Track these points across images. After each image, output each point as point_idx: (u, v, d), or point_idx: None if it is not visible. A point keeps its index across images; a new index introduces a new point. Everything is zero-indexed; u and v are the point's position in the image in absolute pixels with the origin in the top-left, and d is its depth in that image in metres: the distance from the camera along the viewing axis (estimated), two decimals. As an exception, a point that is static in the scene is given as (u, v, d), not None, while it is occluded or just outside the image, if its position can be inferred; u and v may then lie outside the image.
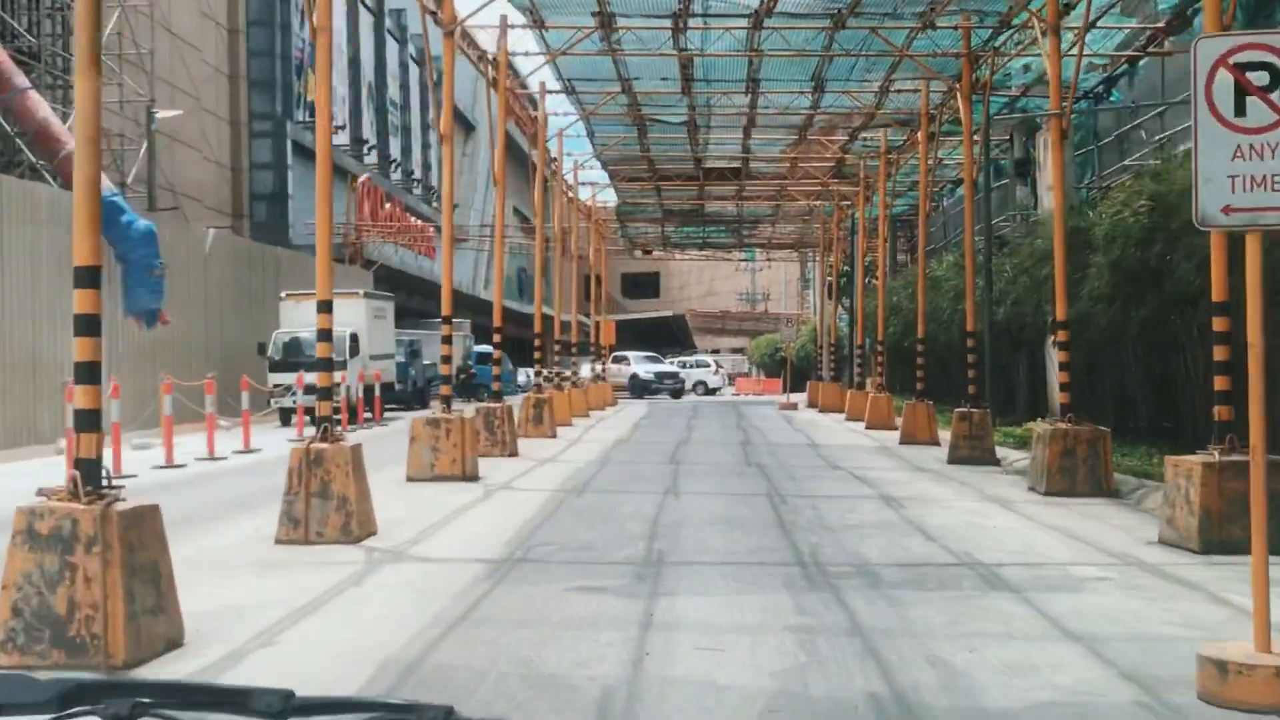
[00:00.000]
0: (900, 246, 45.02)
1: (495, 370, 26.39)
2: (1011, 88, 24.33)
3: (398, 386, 38.45)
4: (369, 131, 59.88)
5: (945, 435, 24.07)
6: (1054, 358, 23.66)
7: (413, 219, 59.98)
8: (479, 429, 19.87)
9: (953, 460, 19.68)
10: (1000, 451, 20.03)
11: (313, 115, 54.11)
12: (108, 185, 22.64)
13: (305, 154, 50.79)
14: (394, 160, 62.50)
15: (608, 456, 20.29)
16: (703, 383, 59.52)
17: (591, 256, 40.37)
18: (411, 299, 64.10)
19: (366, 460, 11.73)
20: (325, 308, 12.40)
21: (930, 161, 25.87)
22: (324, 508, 10.74)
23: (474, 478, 16.03)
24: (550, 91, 28.79)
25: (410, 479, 15.75)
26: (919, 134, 25.16)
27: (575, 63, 24.15)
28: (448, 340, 19.31)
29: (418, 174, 67.24)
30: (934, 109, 24.51)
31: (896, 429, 27.87)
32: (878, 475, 17.46)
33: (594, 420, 31.99)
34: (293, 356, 30.56)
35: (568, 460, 19.68)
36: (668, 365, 57.13)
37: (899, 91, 24.47)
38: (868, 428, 28.50)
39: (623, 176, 34.36)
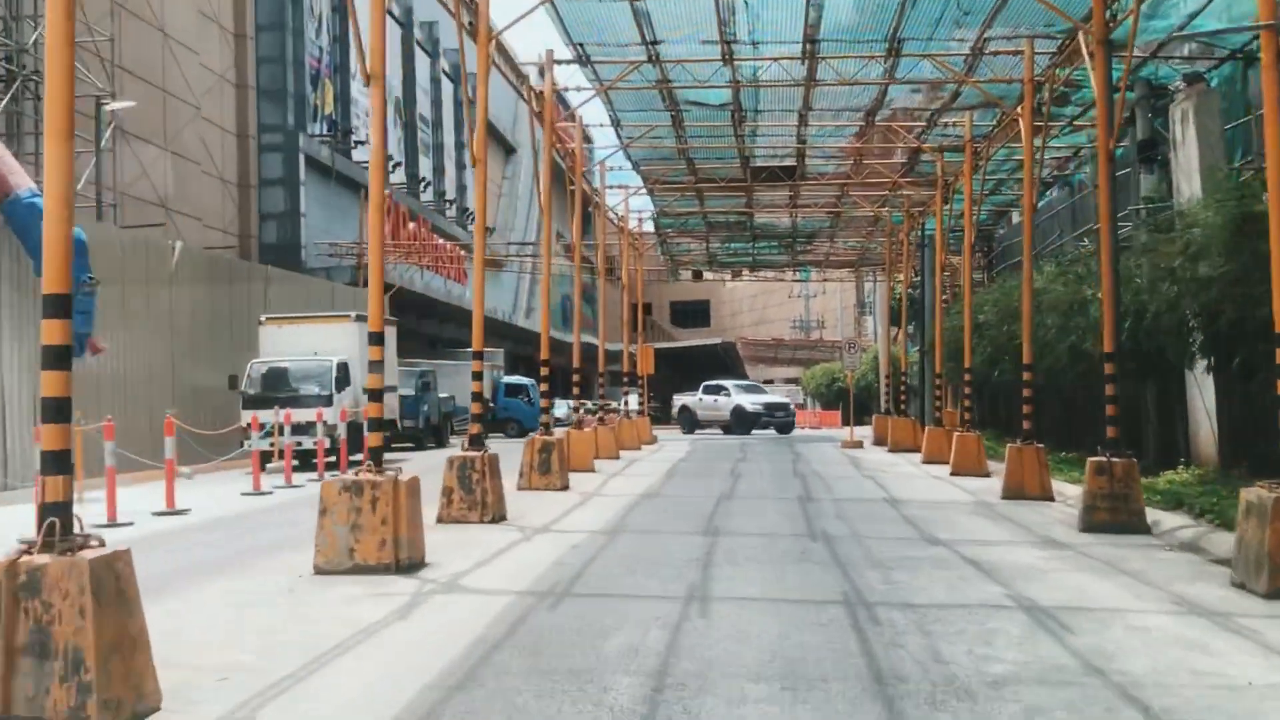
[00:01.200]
0: (974, 263, 39.55)
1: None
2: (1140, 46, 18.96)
3: (406, 423, 33.52)
4: (395, 148, 55.34)
5: (1060, 488, 18.72)
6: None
7: (441, 241, 55.29)
8: (452, 485, 14.80)
9: (1088, 527, 14.35)
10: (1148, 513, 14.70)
11: (330, 130, 49.66)
12: (29, 185, 17.91)
13: (319, 169, 46.25)
14: (424, 179, 57.91)
15: (622, 523, 15.07)
16: (755, 415, 54.16)
17: (625, 275, 35.39)
18: (443, 327, 59.39)
19: (283, 532, 6.65)
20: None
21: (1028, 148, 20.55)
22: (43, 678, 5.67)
23: (414, 565, 10.91)
24: (574, 85, 23.89)
25: (320, 571, 10.69)
26: (1019, 107, 19.88)
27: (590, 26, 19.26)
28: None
29: (451, 194, 62.63)
30: (1040, 76, 19.24)
31: (988, 475, 22.52)
32: (997, 556, 12.14)
33: (623, 463, 26.84)
34: (273, 390, 25.72)
35: (566, 529, 14.50)
36: (775, 395, 51.28)
37: (995, 53, 19.22)
38: (953, 473, 23.14)
39: (656, 180, 29.32)
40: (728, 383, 47.01)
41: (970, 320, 23.92)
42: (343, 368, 26.20)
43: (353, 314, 27.09)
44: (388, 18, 54.14)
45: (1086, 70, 18.61)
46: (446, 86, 63.67)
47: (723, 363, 73.25)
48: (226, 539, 13.92)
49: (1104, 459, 14.62)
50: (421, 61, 59.46)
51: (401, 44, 57.14)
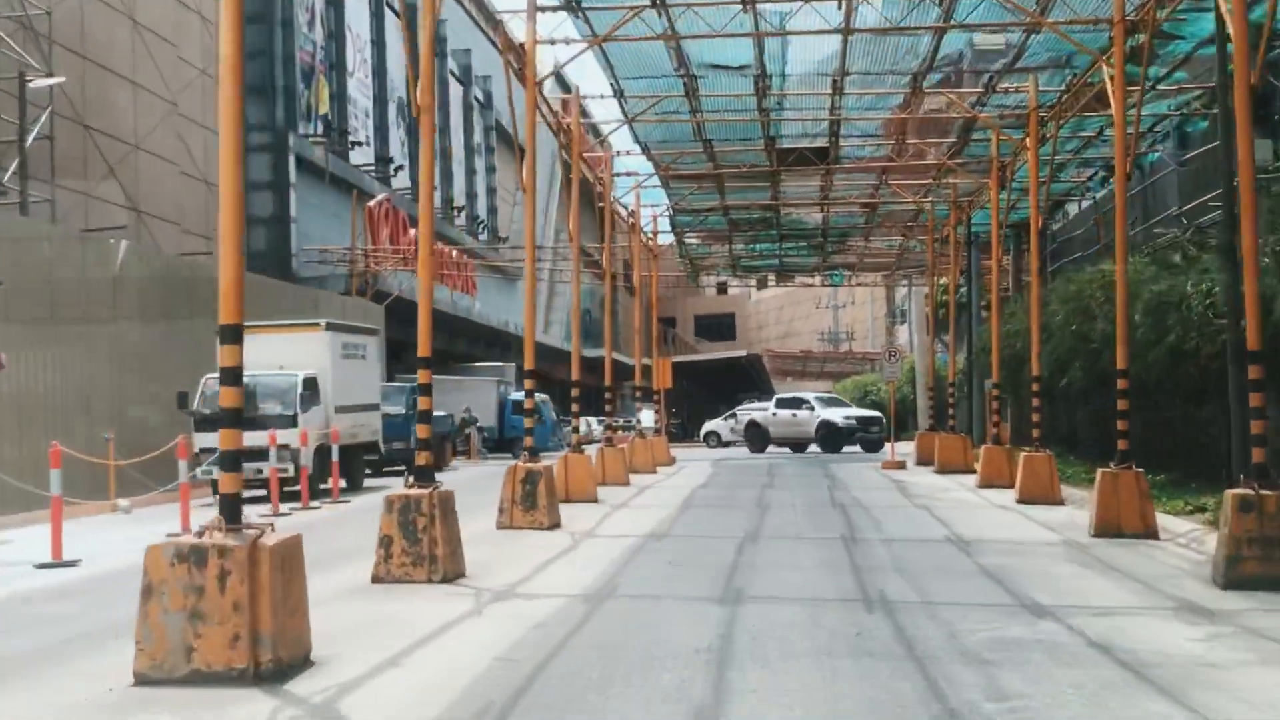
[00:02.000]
0: (1023, 264, 35.81)
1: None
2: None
3: (395, 445, 30.00)
4: (398, 151, 52.09)
5: (1162, 522, 15.09)
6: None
7: (450, 249, 51.89)
8: (392, 533, 11.25)
9: (1233, 582, 10.72)
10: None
11: (325, 130, 46.35)
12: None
13: (311, 171, 42.87)
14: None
15: (613, 582, 11.43)
16: (785, 431, 50.43)
17: (637, 277, 31.81)
18: (454, 342, 55.95)
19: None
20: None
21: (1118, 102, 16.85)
22: None
23: (284, 670, 7.33)
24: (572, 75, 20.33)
25: (142, 680, 7.13)
26: (1101, 63, 16.24)
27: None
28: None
29: (460, 201, 59.30)
30: (1133, 14, 15.56)
31: (1061, 503, 18.88)
32: (1133, 635, 8.47)
33: (633, 491, 23.23)
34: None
35: (536, 593, 10.89)
36: (860, 409, 45.15)
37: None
38: (1020, 500, 19.43)
39: (669, 169, 25.72)
40: (808, 395, 42.12)
41: (1039, 319, 20.23)
42: (310, 383, 22.71)
43: (323, 322, 23.58)
44: (387, 11, 50.83)
45: (1190, 11, 15.05)
46: (455, 89, 60.42)
47: (748, 376, 69.52)
48: (80, 610, 10.39)
49: (1249, 491, 10.95)
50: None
51: (405, 42, 53.92)
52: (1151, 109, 22.98)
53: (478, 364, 50.56)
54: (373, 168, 48.42)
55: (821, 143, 23.53)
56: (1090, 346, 20.69)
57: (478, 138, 63.38)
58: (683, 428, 59.41)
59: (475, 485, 23.41)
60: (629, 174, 29.38)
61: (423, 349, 13.37)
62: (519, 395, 43.61)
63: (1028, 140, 21.37)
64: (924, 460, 30.74)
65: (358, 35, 48.06)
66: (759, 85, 20.47)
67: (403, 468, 31.05)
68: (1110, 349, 19.67)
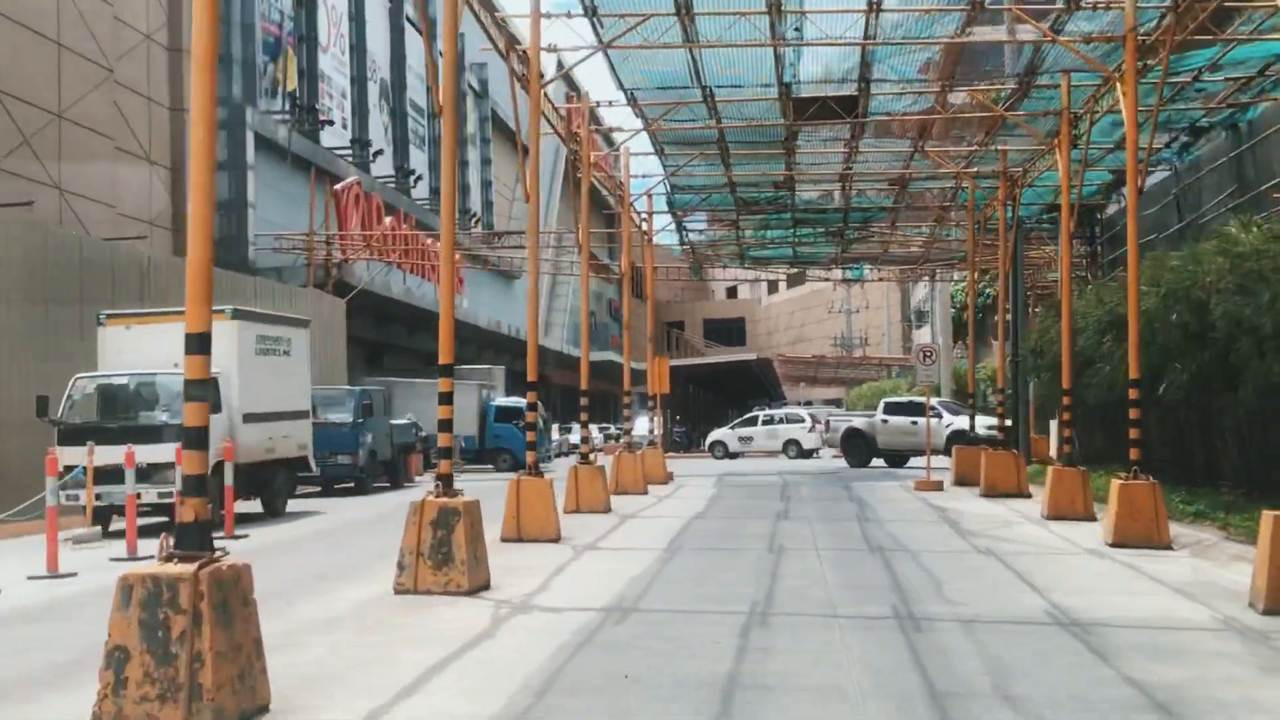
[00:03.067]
0: (1073, 254, 30.77)
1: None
2: None
3: (341, 460, 25.14)
4: (381, 138, 47.22)
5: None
6: None
7: (433, 242, 46.88)
8: (128, 643, 6.28)
9: None
10: None
11: (293, 109, 41.48)
12: None
13: (274, 152, 38.01)
14: (414, 173, 49.64)
15: (523, 715, 6.48)
16: (795, 442, 45.35)
17: (626, 260, 26.72)
18: (418, 336, 51.09)
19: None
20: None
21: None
22: None
23: None
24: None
25: None
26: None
27: None
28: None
29: (448, 193, 54.26)
30: None
31: (1169, 545, 13.95)
32: None
33: (611, 522, 18.19)
34: (111, 418, 17.35)
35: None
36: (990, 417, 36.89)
37: None
38: (1115, 543, 14.43)
39: (659, 123, 20.61)
40: (934, 400, 34.79)
41: (1135, 303, 15.22)
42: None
43: (228, 309, 18.59)
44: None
45: None
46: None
47: (758, 381, 64.45)
48: None
49: None
50: (414, 42, 51.33)
51: (389, 18, 49.13)
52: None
53: (463, 367, 45.59)
54: (349, 151, 43.60)
55: (849, 89, 18.55)
56: (1201, 340, 15.69)
57: (471, 127, 58.52)
58: (688, 436, 54.39)
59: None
60: (643, 176, 24.60)
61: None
62: (505, 401, 38.69)
63: (1113, 80, 16.38)
64: (964, 480, 25.68)
65: (333, 8, 43.20)
66: (772, 18, 15.55)
67: (347, 487, 26.21)
68: (1237, 340, 14.73)
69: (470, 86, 57.31)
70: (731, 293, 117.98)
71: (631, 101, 19.69)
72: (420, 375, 40.88)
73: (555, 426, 59.17)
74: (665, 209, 28.56)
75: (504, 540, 15.10)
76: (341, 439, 24.99)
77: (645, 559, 13.42)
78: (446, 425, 13.08)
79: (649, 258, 29.38)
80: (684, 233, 30.99)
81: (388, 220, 40.66)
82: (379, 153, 44.91)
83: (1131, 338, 15.20)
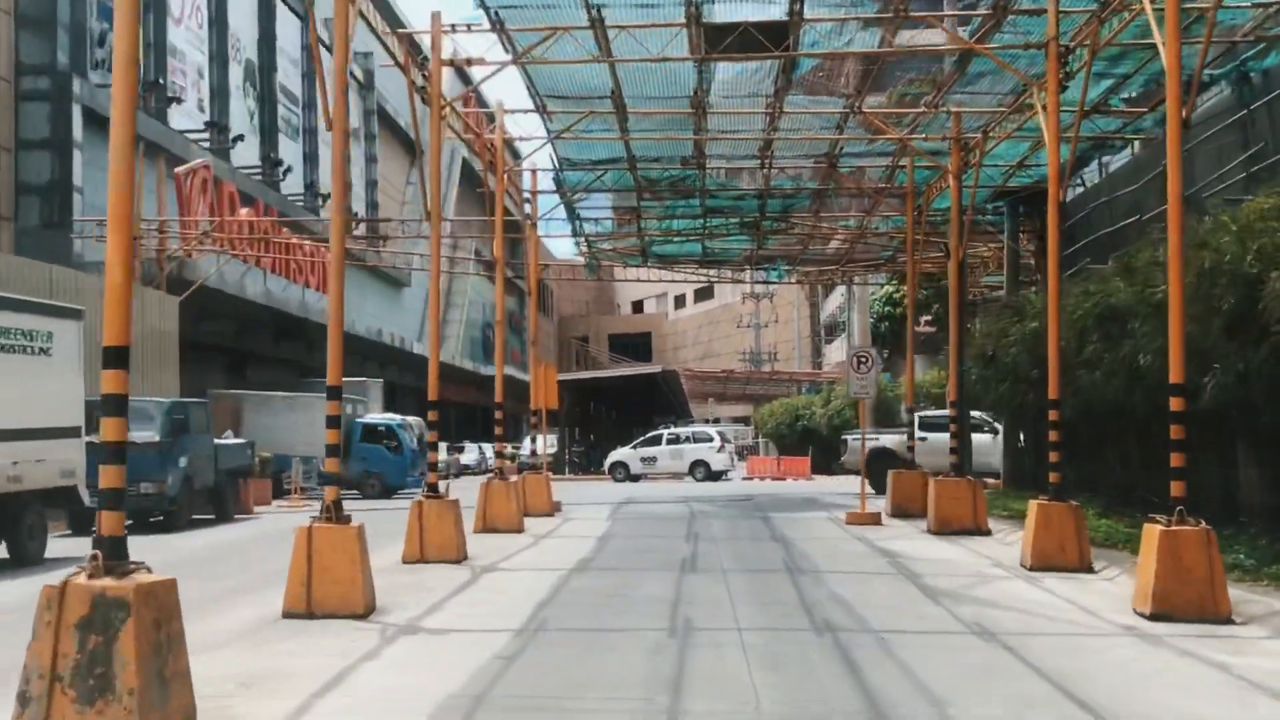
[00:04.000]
0: (1024, 245, 26.77)
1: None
2: None
3: (146, 488, 20.05)
4: (244, 122, 41.92)
5: None
6: None
7: (302, 240, 41.76)
8: None
9: None
10: None
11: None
12: None
13: (102, 125, 32.80)
14: (283, 164, 44.31)
15: None
16: (703, 463, 40.93)
17: (496, 245, 21.83)
18: (315, 354, 45.70)
19: None
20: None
21: None
22: None
23: None
24: None
25: None
26: None
27: None
28: None
29: (326, 187, 49.00)
30: None
31: (1229, 617, 9.56)
32: None
33: (456, 579, 13.30)
34: None
35: None
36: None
37: None
38: (1156, 613, 10.10)
39: (526, 55, 15.78)
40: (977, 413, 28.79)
41: (1180, 290, 10.91)
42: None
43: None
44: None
45: None
46: (326, 61, 50.41)
47: (665, 398, 59.95)
48: None
49: None
50: (288, 23, 46.14)
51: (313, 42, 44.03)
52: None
53: (319, 380, 40.37)
54: (205, 136, 38.28)
55: (777, 13, 14.09)
56: (1249, 331, 11.46)
57: (355, 121, 53.27)
58: (587, 457, 49.65)
59: (238, 554, 13.56)
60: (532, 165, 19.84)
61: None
62: (374, 418, 33.64)
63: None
64: (904, 510, 21.37)
65: (186, -27, 37.89)
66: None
67: (160, 521, 21.07)
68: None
69: (354, 77, 52.06)
70: (638, 307, 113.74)
71: (495, 24, 14.95)
72: (289, 388, 35.71)
73: (444, 446, 54.09)
74: (554, 189, 23.81)
75: (285, 616, 10.28)
76: (145, 464, 19.87)
77: (477, 657, 8.67)
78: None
79: (533, 243, 24.63)
80: (577, 221, 26.35)
81: (243, 211, 35.43)
82: (239, 139, 39.60)
83: (1173, 328, 10.87)
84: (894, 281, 49.45)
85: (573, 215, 25.78)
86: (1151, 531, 10.55)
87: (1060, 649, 9.00)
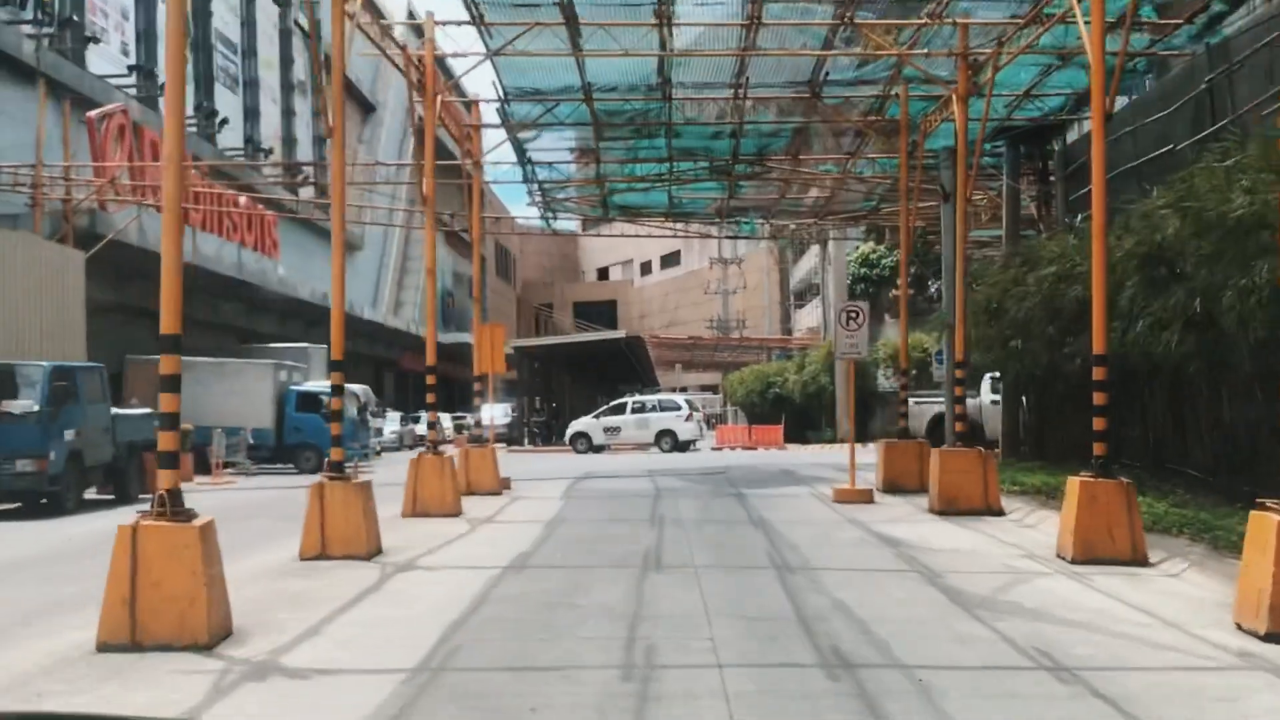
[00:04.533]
0: (1027, 191, 24.06)
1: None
2: None
3: (22, 465, 17.10)
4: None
5: None
6: None
7: (240, 198, 38.60)
8: None
9: None
10: None
11: (44, 17, 32.62)
12: None
13: (15, 70, 29.33)
14: (218, 115, 41.02)
15: None
16: (670, 433, 38.20)
17: (423, 182, 18.81)
18: (257, 318, 42.60)
19: None
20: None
21: None
22: None
23: None
24: None
25: None
26: None
27: None
28: None
29: (267, 143, 45.85)
30: None
31: None
32: None
33: (365, 578, 10.49)
34: None
35: None
36: None
37: None
38: (1270, 634, 7.41)
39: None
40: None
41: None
42: None
43: None
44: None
45: None
46: (267, 8, 47.06)
47: (630, 365, 57.13)
48: None
49: None
50: (224, -36, 42.80)
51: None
52: None
53: (267, 345, 37.37)
54: (129, 81, 35.04)
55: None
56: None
57: (300, 73, 49.93)
58: (548, 427, 46.81)
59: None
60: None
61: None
62: (310, 386, 30.65)
63: None
64: (896, 485, 18.73)
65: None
66: None
67: (45, 501, 18.09)
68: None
69: (297, 25, 48.74)
70: (603, 274, 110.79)
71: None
72: (230, 355, 32.65)
73: (397, 416, 51.15)
74: (499, 123, 20.85)
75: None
76: (22, 437, 16.92)
77: (346, 716, 5.87)
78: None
79: (476, 186, 21.63)
80: (529, 166, 23.40)
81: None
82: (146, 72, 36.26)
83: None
84: (870, 239, 46.83)
85: (523, 158, 22.81)
86: (1267, 524, 7.84)
87: (1172, 695, 6.30)
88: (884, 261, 45.59)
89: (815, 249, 63.28)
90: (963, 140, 16.75)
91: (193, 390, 28.80)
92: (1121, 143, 18.95)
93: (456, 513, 15.97)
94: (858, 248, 46.69)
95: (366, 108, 61.81)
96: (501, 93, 19.38)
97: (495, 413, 46.37)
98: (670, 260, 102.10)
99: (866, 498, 17.44)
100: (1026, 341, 17.48)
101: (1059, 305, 16.20)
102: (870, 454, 33.27)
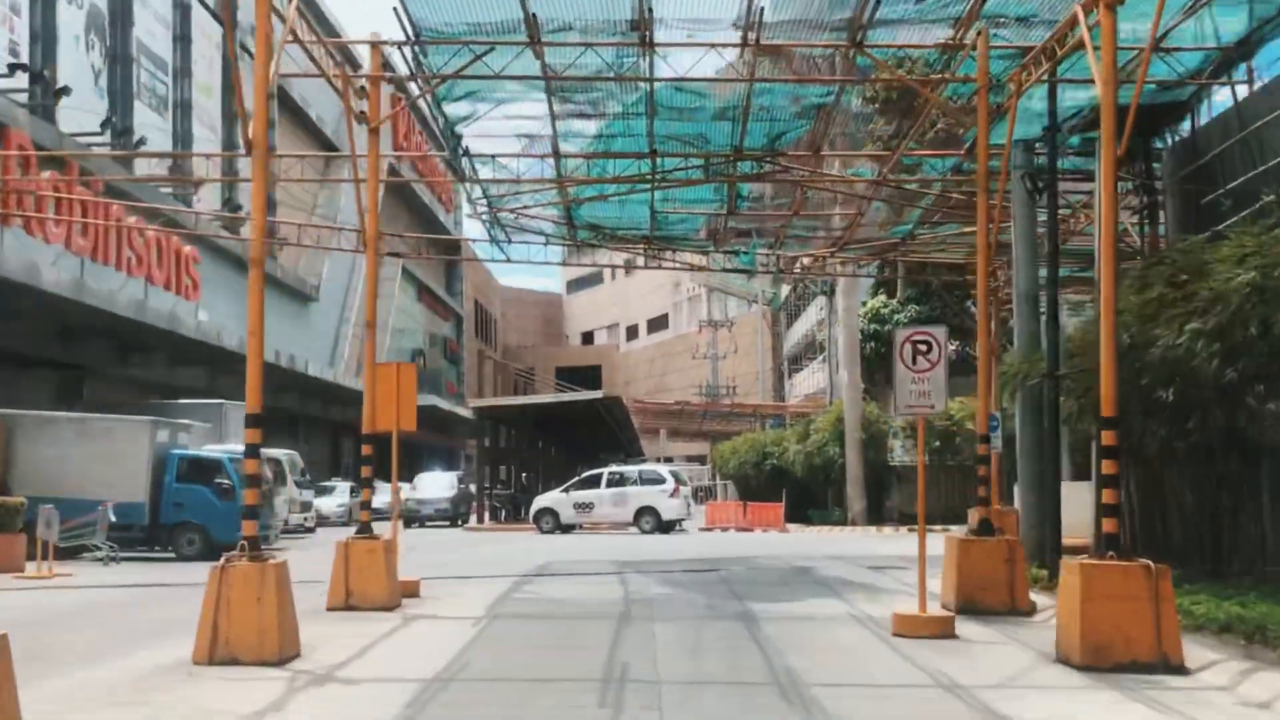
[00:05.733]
0: (1126, 200, 17.99)
1: None
2: None
3: None
4: (82, 81, 32.64)
5: None
6: None
7: (149, 229, 32.44)
8: None
9: None
10: None
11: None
12: None
13: None
14: (133, 134, 34.94)
15: None
16: (652, 510, 31.78)
17: (250, 123, 12.66)
18: (178, 371, 36.26)
19: None
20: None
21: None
22: None
23: None
24: None
25: None
26: None
27: None
28: None
29: (204, 172, 39.57)
30: None
31: None
32: None
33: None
34: None
35: None
36: None
37: None
38: None
39: None
40: None
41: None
42: None
43: None
44: None
45: None
46: (206, 25, 41.24)
47: (609, 432, 50.69)
48: None
49: None
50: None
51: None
52: None
53: (184, 401, 30.98)
54: (12, 81, 28.98)
55: None
56: None
57: (200, 77, 43.57)
58: (513, 502, 40.19)
59: None
60: None
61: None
62: (202, 451, 24.18)
63: None
64: (976, 603, 12.40)
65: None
66: None
67: None
68: None
69: (244, 49, 42.79)
70: (588, 338, 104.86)
71: None
72: (144, 411, 26.17)
73: (347, 486, 44.54)
74: (411, 72, 14.67)
75: None
76: None
77: None
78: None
79: (372, 158, 15.12)
80: (463, 157, 17.15)
81: (47, 175, 26.07)
82: (63, 91, 30.22)
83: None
84: (881, 292, 40.87)
85: (452, 138, 16.55)
86: None
87: None
88: (897, 317, 39.52)
89: (814, 306, 57.28)
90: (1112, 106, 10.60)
91: (51, 453, 22.52)
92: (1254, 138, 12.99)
93: (283, 655, 9.53)
94: (865, 303, 40.66)
95: (331, 148, 55.91)
96: (409, 30, 13.23)
97: (431, 486, 39.98)
98: (658, 324, 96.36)
99: (944, 629, 11.05)
100: (1187, 391, 11.25)
101: (1238, 339, 10.09)
102: (890, 542, 26.91)
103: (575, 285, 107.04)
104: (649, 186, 17.93)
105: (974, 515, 25.14)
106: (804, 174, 17.88)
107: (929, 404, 11.35)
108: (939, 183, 18.21)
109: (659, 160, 17.29)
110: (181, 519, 22.24)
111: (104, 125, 31.95)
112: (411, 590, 14.11)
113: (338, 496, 42.78)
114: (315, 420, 52.83)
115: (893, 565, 19.11)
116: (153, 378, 34.83)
